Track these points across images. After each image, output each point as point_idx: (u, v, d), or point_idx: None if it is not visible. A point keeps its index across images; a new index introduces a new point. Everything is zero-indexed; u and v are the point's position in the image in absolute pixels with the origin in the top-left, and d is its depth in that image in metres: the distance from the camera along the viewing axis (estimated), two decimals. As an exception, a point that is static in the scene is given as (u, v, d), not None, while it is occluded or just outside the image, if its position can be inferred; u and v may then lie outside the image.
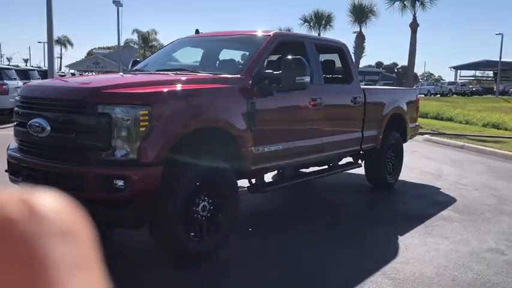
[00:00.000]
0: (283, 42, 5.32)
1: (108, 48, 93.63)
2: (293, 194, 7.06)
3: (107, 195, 3.62)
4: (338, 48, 6.40)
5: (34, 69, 20.57)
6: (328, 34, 37.84)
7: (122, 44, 43.34)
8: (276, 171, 5.97)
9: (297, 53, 5.94)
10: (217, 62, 5.46)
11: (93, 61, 63.73)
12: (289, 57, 4.65)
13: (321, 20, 39.19)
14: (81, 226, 0.31)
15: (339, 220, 5.51)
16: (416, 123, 8.18)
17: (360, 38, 34.13)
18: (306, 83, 4.67)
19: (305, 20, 40.27)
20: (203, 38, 5.90)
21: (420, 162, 9.68)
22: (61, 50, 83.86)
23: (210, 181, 4.12)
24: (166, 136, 3.71)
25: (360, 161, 6.84)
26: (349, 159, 7.03)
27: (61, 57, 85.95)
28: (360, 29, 35.34)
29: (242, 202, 4.77)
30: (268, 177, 5.58)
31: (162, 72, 4.89)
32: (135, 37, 73.19)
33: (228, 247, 4.32)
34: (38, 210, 0.29)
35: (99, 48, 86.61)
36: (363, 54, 34.78)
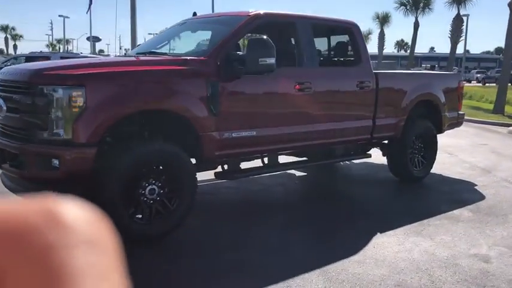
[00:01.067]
0: (268, 23, 5.07)
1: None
2: (309, 181, 6.77)
3: (45, 174, 3.75)
4: (346, 28, 5.95)
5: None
6: (427, 17, 35.28)
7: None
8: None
9: (286, 35, 5.72)
10: (196, 45, 5.36)
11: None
12: (253, 37, 4.42)
13: (418, 2, 36.67)
14: (106, 236, 0.31)
15: (331, 214, 5.16)
16: (460, 112, 7.34)
17: (458, 21, 31.27)
18: (270, 65, 4.40)
19: (401, 4, 37.98)
20: (196, 21, 5.81)
21: (479, 156, 8.75)
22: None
23: (158, 164, 4.07)
24: (100, 118, 3.73)
25: (370, 152, 6.32)
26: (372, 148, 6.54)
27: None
28: (458, 10, 32.46)
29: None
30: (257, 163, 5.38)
31: (132, 56, 4.93)
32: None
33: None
34: (62, 219, 0.29)
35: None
36: (461, 38, 31.84)
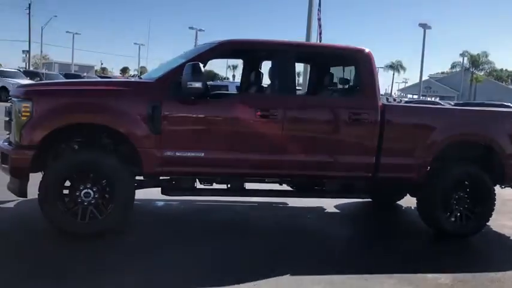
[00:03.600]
0: (234, 51, 5.16)
1: (442, 73, 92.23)
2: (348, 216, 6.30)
3: (4, 167, 4.68)
4: (345, 56, 5.51)
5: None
6: None
7: (448, 67, 42.13)
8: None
9: (256, 62, 5.61)
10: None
11: (425, 85, 64.34)
12: (188, 63, 4.60)
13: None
14: None
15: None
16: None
17: None
18: (197, 89, 4.51)
19: None
20: (189, 50, 6.14)
21: None
22: (393, 74, 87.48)
23: (88, 171, 4.60)
24: (40, 126, 4.46)
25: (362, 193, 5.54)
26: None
27: (392, 82, 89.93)
28: None
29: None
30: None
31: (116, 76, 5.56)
32: (462, 59, 69.66)
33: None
34: None
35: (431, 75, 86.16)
36: None
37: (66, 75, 32.28)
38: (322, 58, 6.16)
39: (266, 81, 5.82)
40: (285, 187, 5.60)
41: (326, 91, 5.90)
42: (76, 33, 60.04)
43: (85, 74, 39.17)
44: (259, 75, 5.77)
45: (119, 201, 4.62)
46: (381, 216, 6.67)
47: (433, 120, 5.41)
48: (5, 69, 28.13)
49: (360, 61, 5.33)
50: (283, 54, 5.12)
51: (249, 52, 5.67)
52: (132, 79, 5.45)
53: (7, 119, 4.89)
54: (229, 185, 5.20)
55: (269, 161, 5.00)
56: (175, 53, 6.21)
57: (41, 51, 62.20)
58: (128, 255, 4.29)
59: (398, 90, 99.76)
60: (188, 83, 4.50)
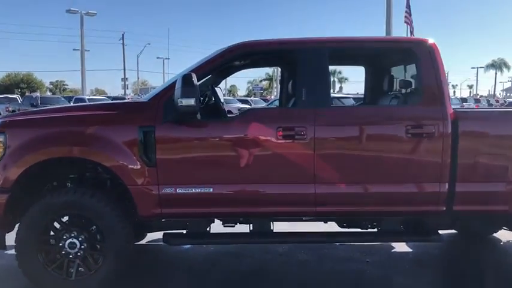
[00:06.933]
0: (249, 54, 4.04)
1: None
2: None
3: None
4: (405, 51, 4.13)
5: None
6: None
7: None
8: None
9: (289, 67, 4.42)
10: None
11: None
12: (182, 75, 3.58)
13: None
14: None
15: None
16: None
17: None
18: (189, 107, 3.47)
19: None
20: None
21: None
22: (495, 74, 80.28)
23: (72, 216, 3.75)
24: (13, 164, 3.69)
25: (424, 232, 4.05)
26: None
27: (495, 82, 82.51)
28: None
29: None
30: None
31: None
32: None
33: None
34: None
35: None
36: None
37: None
38: (370, 56, 4.85)
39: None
40: (327, 226, 4.35)
41: (377, 99, 4.59)
42: (166, 58, 62.26)
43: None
44: (286, 84, 4.63)
45: (109, 253, 3.72)
46: (469, 257, 5.01)
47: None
48: (47, 96, 33.11)
49: (421, 56, 3.96)
50: (317, 54, 3.91)
51: (268, 55, 4.54)
52: (129, 100, 4.54)
53: None
54: (251, 227, 4.07)
55: (300, 195, 3.82)
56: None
57: (138, 78, 65.26)
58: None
59: (502, 90, 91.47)
60: (178, 100, 3.49)
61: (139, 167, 3.70)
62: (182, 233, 4.04)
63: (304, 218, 4.15)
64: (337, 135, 3.85)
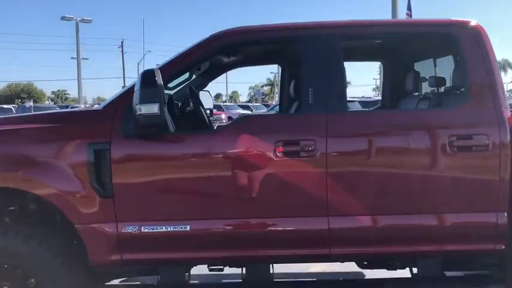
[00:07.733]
0: (239, 44, 3.10)
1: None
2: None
3: None
4: (442, 37, 3.15)
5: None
6: None
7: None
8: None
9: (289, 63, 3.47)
10: None
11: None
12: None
13: None
14: None
15: None
16: None
17: None
18: (152, 117, 2.50)
19: None
20: None
21: None
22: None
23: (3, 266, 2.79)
24: None
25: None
26: None
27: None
28: None
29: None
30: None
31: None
32: None
33: None
34: None
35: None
36: None
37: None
38: (393, 47, 3.89)
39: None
40: (344, 267, 3.38)
41: (399, 101, 3.63)
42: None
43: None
44: (287, 84, 3.66)
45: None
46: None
47: None
48: (41, 105, 33.93)
49: (465, 43, 2.98)
50: (327, 41, 2.94)
51: (265, 46, 3.56)
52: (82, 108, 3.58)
53: None
54: (244, 271, 3.09)
55: (308, 232, 2.84)
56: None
57: (139, 86, 64.21)
58: None
59: (507, 91, 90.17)
60: (136, 106, 2.53)
61: (88, 197, 2.73)
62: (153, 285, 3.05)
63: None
64: (357, 149, 2.87)
